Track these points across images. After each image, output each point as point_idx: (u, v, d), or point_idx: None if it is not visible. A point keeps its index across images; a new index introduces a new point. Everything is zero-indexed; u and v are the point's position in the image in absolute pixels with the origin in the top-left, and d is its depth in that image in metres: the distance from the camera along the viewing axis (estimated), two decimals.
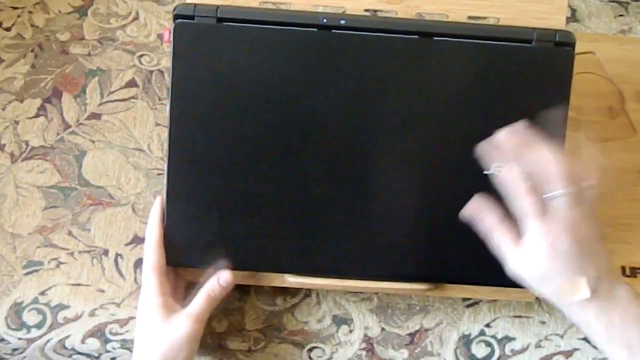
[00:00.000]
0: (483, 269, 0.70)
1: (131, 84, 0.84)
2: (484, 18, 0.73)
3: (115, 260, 0.78)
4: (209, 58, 0.68)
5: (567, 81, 0.68)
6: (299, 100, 0.68)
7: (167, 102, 0.69)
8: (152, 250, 0.70)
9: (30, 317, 0.76)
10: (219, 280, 0.70)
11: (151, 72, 0.84)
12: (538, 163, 0.62)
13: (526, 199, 0.62)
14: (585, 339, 0.78)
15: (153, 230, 0.71)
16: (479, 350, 0.77)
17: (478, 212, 0.65)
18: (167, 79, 0.82)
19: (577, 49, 0.68)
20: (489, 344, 0.78)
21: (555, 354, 0.77)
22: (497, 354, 0.77)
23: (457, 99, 0.69)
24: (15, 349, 0.76)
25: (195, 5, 0.67)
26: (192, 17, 0.67)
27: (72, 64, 0.85)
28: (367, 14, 0.73)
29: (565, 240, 0.60)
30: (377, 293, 0.78)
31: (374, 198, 0.69)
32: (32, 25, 0.86)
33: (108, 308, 0.77)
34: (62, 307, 0.76)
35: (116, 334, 0.76)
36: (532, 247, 0.61)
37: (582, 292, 0.60)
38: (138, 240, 0.78)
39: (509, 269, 0.63)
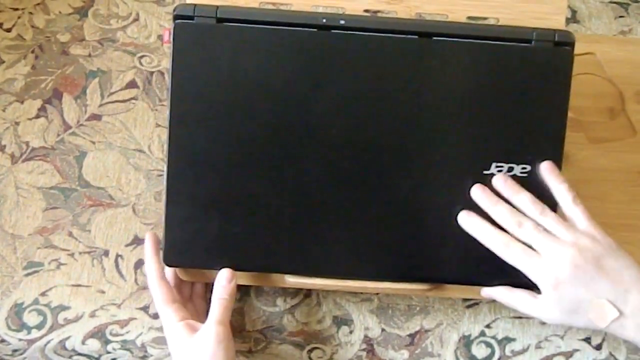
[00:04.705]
0: (483, 269, 0.70)
1: (131, 85, 0.84)
2: (484, 18, 0.73)
3: (116, 261, 0.78)
4: (209, 58, 0.68)
5: (566, 81, 0.68)
6: (298, 100, 0.68)
7: (167, 103, 0.69)
8: (157, 286, 0.71)
9: (30, 318, 0.76)
10: (220, 281, 0.70)
11: (151, 73, 0.84)
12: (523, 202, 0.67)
13: (534, 236, 0.65)
14: (585, 340, 0.78)
15: (151, 266, 0.72)
16: (479, 351, 0.77)
17: (488, 294, 0.69)
18: (168, 79, 0.82)
19: (578, 50, 0.68)
20: (489, 345, 0.78)
21: (555, 355, 0.77)
22: (497, 354, 0.77)
23: (457, 98, 0.69)
24: (15, 350, 0.76)
25: (195, 5, 0.67)
26: (192, 18, 0.67)
27: (73, 65, 0.85)
28: (367, 14, 0.73)
29: (568, 269, 0.62)
30: (377, 294, 0.78)
31: (374, 198, 0.69)
32: (32, 27, 0.86)
33: (108, 309, 0.77)
34: (62, 308, 0.76)
35: (116, 335, 0.76)
36: (546, 291, 0.63)
37: (610, 314, 0.61)
38: (138, 241, 0.78)
39: (544, 320, 0.66)
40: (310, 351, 0.77)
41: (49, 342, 0.76)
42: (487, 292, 0.69)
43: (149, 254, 0.73)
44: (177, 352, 0.69)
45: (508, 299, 0.68)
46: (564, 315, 0.63)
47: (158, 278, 0.71)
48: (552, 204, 0.68)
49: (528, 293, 0.66)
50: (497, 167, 0.68)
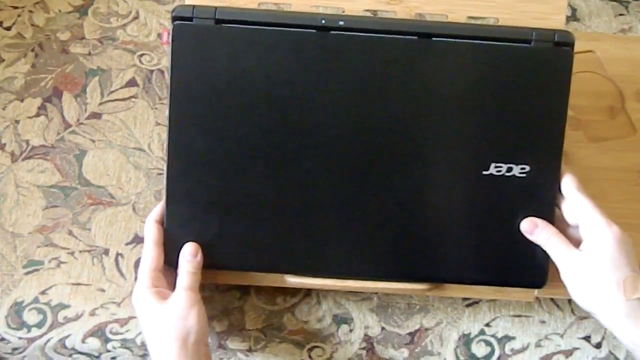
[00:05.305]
0: (483, 269, 0.70)
1: (131, 83, 0.84)
2: (484, 18, 0.73)
3: (116, 260, 0.78)
4: (208, 59, 0.68)
5: (566, 81, 0.68)
6: (297, 100, 0.68)
7: (167, 103, 0.69)
8: (150, 249, 0.70)
9: (30, 317, 0.76)
10: (184, 256, 0.69)
11: (151, 71, 0.84)
12: None
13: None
14: (585, 339, 0.78)
15: (151, 229, 0.70)
16: (479, 349, 0.77)
17: (535, 225, 0.68)
18: (167, 78, 0.82)
19: (578, 48, 0.68)
20: (489, 343, 0.78)
21: (555, 354, 0.77)
22: (497, 353, 0.77)
23: (456, 98, 0.68)
24: (15, 349, 0.76)
25: (194, 6, 0.67)
26: (190, 19, 0.67)
27: (73, 63, 0.85)
28: (367, 14, 0.73)
29: (626, 236, 0.64)
30: (377, 293, 0.78)
31: (374, 198, 0.69)
32: (32, 25, 0.86)
33: (108, 307, 0.77)
34: (62, 306, 0.76)
35: (116, 333, 0.76)
36: (597, 239, 0.64)
37: None
38: (138, 239, 0.79)
39: (563, 273, 0.66)
40: (310, 350, 0.77)
41: (49, 340, 0.76)
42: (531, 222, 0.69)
43: (154, 217, 0.71)
44: (146, 320, 0.67)
45: (547, 240, 0.68)
46: (592, 274, 0.64)
47: (154, 243, 0.70)
48: (551, 205, 0.68)
49: (569, 244, 0.66)
50: (497, 167, 0.68)
